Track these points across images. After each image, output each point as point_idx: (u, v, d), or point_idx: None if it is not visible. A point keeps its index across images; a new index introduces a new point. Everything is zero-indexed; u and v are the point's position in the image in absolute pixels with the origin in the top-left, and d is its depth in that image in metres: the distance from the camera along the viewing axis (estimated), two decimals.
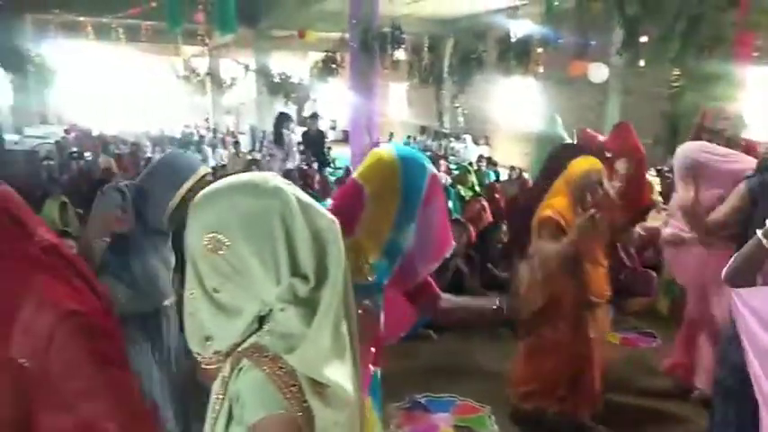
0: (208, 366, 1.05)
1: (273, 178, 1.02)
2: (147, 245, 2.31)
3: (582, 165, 3.00)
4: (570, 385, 3.07)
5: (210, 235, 0.97)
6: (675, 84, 4.26)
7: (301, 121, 12.02)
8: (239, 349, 1.00)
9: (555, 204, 2.95)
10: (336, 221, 1.03)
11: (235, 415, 0.99)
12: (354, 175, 1.75)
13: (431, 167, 1.72)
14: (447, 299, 1.97)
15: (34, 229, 1.37)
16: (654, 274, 5.03)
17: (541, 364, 3.11)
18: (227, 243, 0.97)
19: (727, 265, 1.93)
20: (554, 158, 3.92)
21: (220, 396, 1.02)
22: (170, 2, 8.72)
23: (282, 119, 9.18)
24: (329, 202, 1.76)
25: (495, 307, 1.86)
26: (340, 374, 1.00)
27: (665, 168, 5.10)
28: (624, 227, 4.20)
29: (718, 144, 4.37)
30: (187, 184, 2.26)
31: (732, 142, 4.30)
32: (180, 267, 2.46)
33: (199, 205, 1.01)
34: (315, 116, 9.49)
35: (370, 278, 1.68)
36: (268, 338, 0.99)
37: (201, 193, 1.02)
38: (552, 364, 3.06)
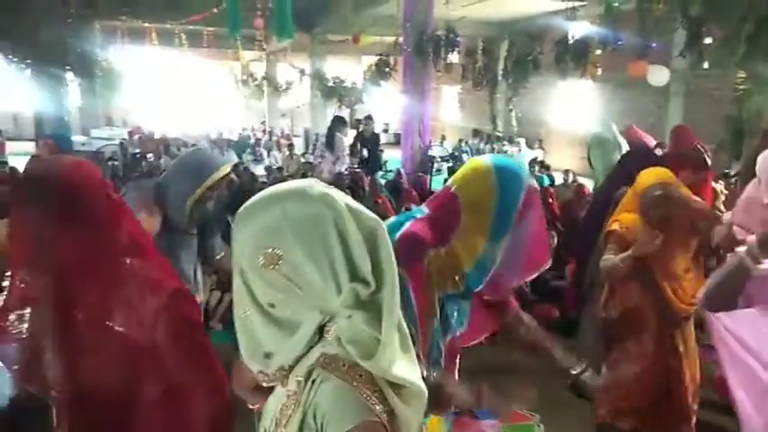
0: (269, 383, 1.03)
1: (317, 184, 0.99)
2: (173, 244, 2.28)
3: (648, 178, 2.82)
4: (658, 401, 2.92)
5: (265, 250, 0.94)
6: (741, 87, 4.10)
7: (354, 124, 12.12)
8: (308, 362, 0.99)
9: (622, 219, 2.86)
10: (382, 222, 1.01)
11: (311, 428, 0.96)
12: (449, 183, 1.73)
13: (528, 179, 1.70)
14: (526, 322, 1.88)
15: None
16: None
17: (626, 378, 2.91)
18: (283, 256, 0.93)
19: (704, 288, 1.74)
20: (621, 166, 3.81)
21: (288, 411, 1.00)
22: (230, 9, 8.97)
23: (337, 122, 9.28)
24: (424, 209, 1.76)
25: (572, 372, 1.66)
26: (412, 373, 1.00)
27: (731, 173, 4.91)
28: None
29: None
30: (208, 180, 2.26)
31: None
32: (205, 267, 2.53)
33: (245, 219, 0.97)
34: (370, 118, 9.54)
35: (460, 288, 1.68)
36: (338, 347, 0.97)
37: (245, 206, 0.98)
38: (638, 378, 2.88)
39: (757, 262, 1.55)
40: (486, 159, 1.72)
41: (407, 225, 1.66)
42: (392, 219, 1.77)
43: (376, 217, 1.01)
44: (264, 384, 1.04)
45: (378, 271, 0.97)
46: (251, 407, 1.26)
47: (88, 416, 1.38)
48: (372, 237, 0.98)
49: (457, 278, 1.64)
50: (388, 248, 1.00)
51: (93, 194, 1.38)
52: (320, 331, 0.99)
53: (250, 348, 1.00)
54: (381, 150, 9.95)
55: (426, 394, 1.03)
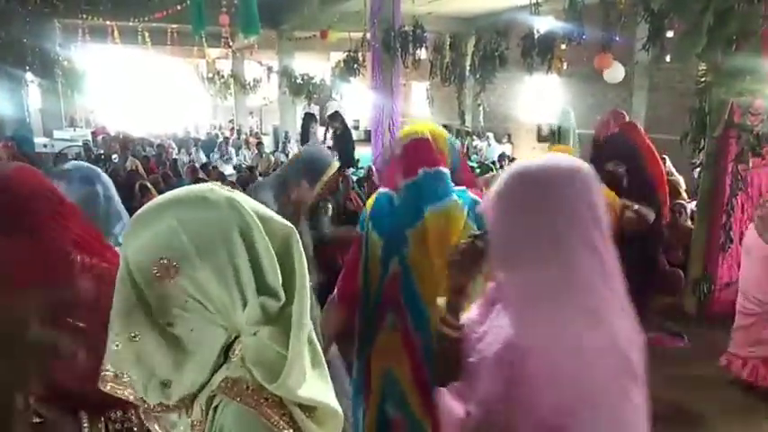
0: (164, 413, 0.91)
1: (221, 188, 0.89)
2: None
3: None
4: None
5: (160, 261, 0.84)
6: (702, 79, 4.18)
7: (324, 121, 12.09)
8: (210, 388, 0.89)
9: None
10: (295, 229, 0.92)
11: None
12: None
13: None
14: None
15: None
16: (681, 273, 4.96)
17: None
18: (180, 267, 0.83)
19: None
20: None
21: None
22: (195, 6, 8.83)
23: (309, 119, 9.25)
24: (465, 191, 1.94)
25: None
26: (325, 393, 0.93)
27: (696, 163, 5.01)
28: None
29: (748, 140, 4.29)
30: (325, 176, 2.46)
31: (763, 138, 4.21)
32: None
33: (137, 227, 0.86)
34: (335, 115, 9.52)
35: None
36: (241, 369, 0.89)
37: (138, 213, 0.88)
38: None
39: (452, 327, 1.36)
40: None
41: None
42: (462, 199, 2.05)
43: (288, 224, 0.93)
44: (155, 414, 0.91)
45: (289, 282, 0.89)
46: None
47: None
48: (284, 245, 0.90)
49: None
50: (301, 257, 0.91)
51: (36, 200, 1.36)
52: (225, 352, 0.89)
53: (143, 378, 0.86)
54: (353, 147, 9.94)
55: (341, 414, 0.95)
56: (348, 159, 9.22)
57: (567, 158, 1.26)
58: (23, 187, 1.36)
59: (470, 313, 1.38)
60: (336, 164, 2.57)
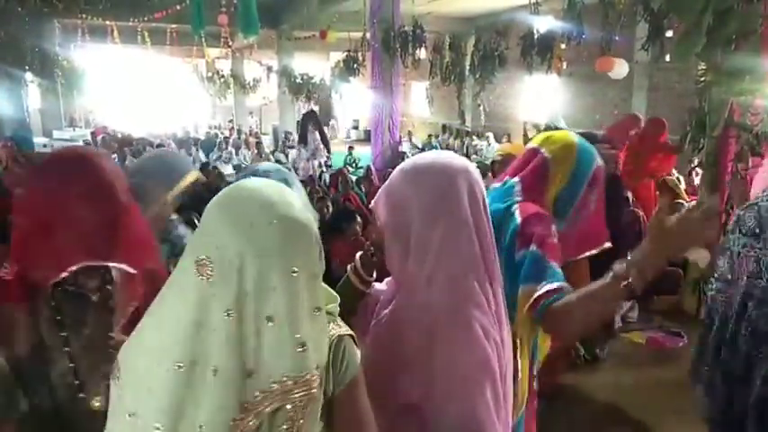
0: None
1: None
2: None
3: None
4: None
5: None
6: (702, 79, 4.18)
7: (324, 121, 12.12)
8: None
9: None
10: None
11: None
12: (533, 145, 1.75)
13: (599, 158, 1.73)
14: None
15: None
16: (680, 271, 4.96)
17: None
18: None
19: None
20: None
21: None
22: (194, 5, 8.83)
23: (308, 117, 9.25)
24: (516, 180, 1.72)
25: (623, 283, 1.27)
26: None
27: (694, 163, 5.02)
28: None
29: (748, 140, 4.29)
30: (178, 186, 2.10)
31: (762, 138, 4.21)
32: None
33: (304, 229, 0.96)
34: (310, 114, 9.52)
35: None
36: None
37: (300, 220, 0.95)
38: None
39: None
40: (567, 131, 1.79)
41: (520, 207, 1.59)
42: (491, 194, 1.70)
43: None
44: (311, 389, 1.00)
45: None
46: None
47: None
48: None
49: None
50: None
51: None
52: None
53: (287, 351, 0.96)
54: (351, 147, 9.92)
55: None
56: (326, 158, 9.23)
57: (453, 156, 1.38)
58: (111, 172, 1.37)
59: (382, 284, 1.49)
60: (195, 172, 2.21)
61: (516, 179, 1.71)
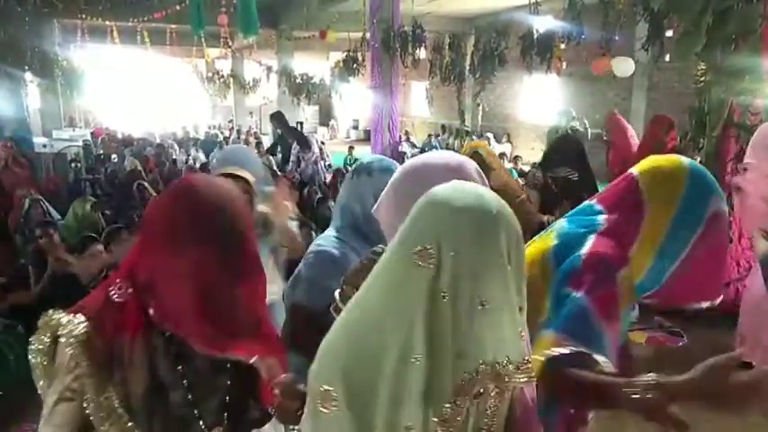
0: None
1: None
2: None
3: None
4: None
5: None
6: (701, 79, 4.19)
7: (323, 122, 12.10)
8: None
9: None
10: None
11: None
12: (634, 172, 1.42)
13: (721, 196, 1.37)
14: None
15: None
16: None
17: None
18: None
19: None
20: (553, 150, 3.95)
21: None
22: (193, 5, 8.83)
23: (274, 120, 9.33)
24: (599, 208, 1.44)
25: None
26: None
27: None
28: None
29: (748, 140, 4.30)
30: None
31: None
32: None
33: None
34: (277, 115, 9.55)
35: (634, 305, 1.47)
36: None
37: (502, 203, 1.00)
38: None
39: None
40: (680, 156, 1.44)
41: (591, 242, 1.35)
42: (564, 226, 1.46)
43: None
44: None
45: None
46: None
47: None
48: None
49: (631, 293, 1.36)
50: None
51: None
52: None
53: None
54: (351, 147, 9.88)
55: None
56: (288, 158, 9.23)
57: (452, 155, 1.33)
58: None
59: None
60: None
61: (601, 208, 1.43)
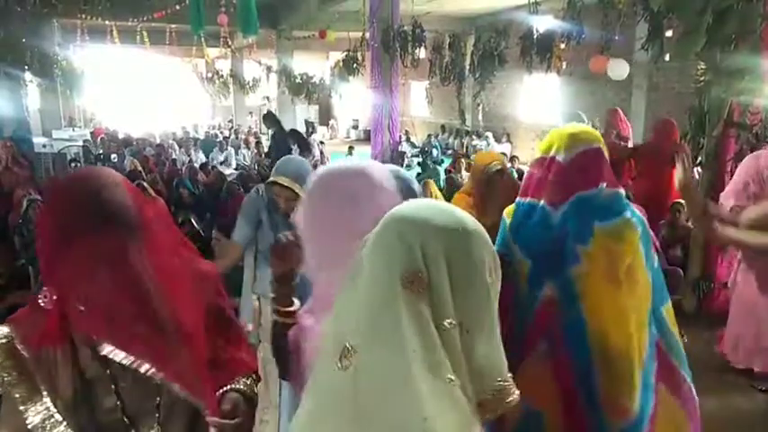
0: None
1: None
2: None
3: (483, 158, 3.07)
4: None
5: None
6: (701, 79, 4.18)
7: (323, 121, 12.11)
8: None
9: (454, 201, 2.95)
10: None
11: None
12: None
13: None
14: None
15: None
16: (681, 272, 4.96)
17: None
18: None
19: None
20: None
21: None
22: (193, 5, 8.82)
23: (267, 120, 9.32)
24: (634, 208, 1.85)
25: None
26: None
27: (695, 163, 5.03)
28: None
29: (748, 139, 4.30)
30: None
31: (761, 137, 4.21)
32: None
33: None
34: (269, 116, 9.58)
35: None
36: None
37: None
38: None
39: None
40: None
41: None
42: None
43: None
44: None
45: None
46: None
47: None
48: None
49: None
50: None
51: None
52: None
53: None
54: (351, 147, 9.88)
55: None
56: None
57: (362, 161, 1.35)
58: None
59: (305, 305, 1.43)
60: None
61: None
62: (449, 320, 0.89)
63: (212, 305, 1.35)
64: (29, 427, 1.12)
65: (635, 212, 1.82)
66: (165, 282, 1.16)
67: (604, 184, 1.80)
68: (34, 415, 1.13)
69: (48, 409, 1.14)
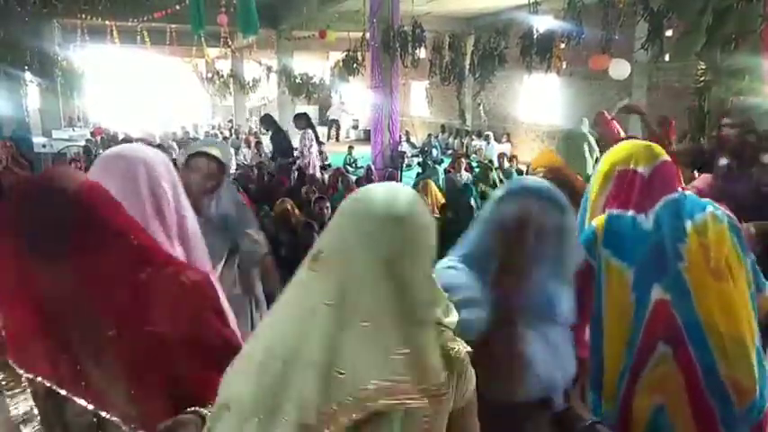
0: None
1: None
2: None
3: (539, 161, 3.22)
4: None
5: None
6: (701, 78, 4.19)
7: (323, 122, 12.12)
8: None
9: None
10: None
11: None
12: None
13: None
14: None
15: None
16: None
17: None
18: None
19: None
20: None
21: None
22: (193, 5, 8.82)
23: (267, 122, 9.40)
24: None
25: None
26: None
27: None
28: None
29: (747, 139, 4.30)
30: None
31: (762, 137, 4.21)
32: None
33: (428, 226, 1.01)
34: (267, 118, 9.66)
35: None
36: None
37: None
38: None
39: None
40: None
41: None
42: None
43: None
44: None
45: None
46: None
47: None
48: None
49: None
50: None
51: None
52: None
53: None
54: (351, 147, 9.89)
55: None
56: (286, 155, 9.27)
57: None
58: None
59: None
60: None
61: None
62: (328, 300, 0.93)
63: (196, 318, 1.28)
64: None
65: (717, 207, 1.92)
66: (105, 297, 1.17)
67: (682, 189, 1.98)
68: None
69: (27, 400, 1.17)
